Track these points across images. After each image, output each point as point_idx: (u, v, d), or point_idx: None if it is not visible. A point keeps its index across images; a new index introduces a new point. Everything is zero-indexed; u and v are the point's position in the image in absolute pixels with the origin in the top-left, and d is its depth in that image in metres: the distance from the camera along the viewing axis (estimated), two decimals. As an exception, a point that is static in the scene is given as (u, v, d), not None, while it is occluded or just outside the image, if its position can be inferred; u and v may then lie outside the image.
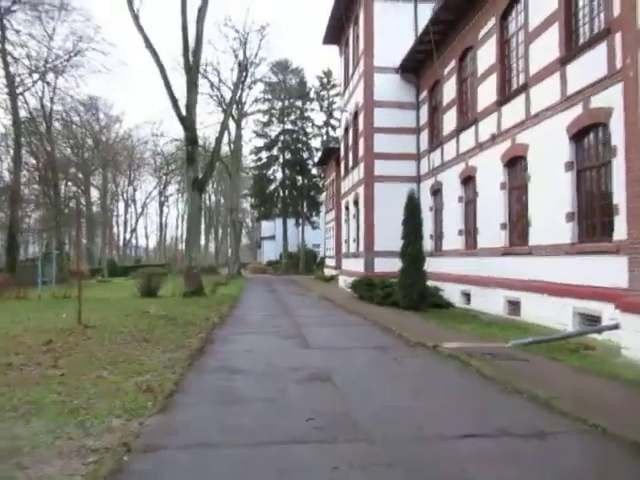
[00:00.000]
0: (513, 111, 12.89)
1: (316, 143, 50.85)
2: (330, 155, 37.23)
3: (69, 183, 53.56)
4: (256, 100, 46.74)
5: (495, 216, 14.04)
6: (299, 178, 50.38)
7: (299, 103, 50.09)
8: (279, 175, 51.21)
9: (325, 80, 50.24)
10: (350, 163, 24.64)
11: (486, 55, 14.49)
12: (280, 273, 47.33)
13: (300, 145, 50.11)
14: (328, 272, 38.01)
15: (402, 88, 20.90)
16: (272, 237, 63.12)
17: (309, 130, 50.75)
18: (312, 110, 50.73)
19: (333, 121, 50.57)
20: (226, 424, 4.58)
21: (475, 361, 7.05)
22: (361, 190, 21.75)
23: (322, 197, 48.94)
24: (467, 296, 15.85)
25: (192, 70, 17.63)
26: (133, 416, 4.63)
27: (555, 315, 10.71)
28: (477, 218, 15.40)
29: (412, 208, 14.67)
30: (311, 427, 4.39)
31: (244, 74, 30.89)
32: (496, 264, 13.89)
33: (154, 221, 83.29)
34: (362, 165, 21.44)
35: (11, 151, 36.42)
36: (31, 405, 4.95)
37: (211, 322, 11.19)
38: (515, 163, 13.26)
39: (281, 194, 50.93)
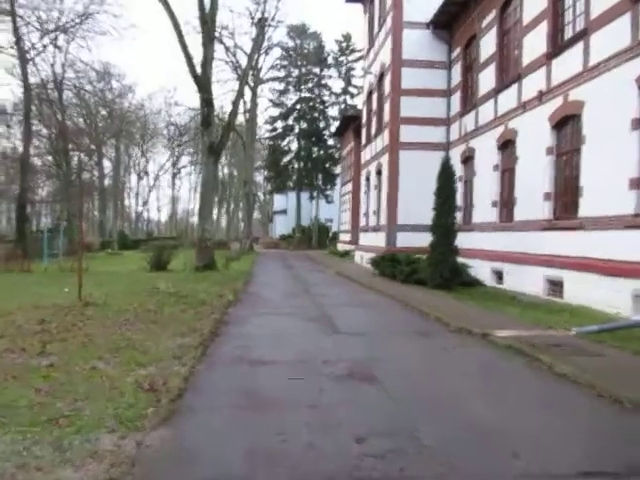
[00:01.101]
0: (567, 63, 11.34)
1: (333, 112, 49.09)
2: (348, 124, 35.66)
3: (82, 155, 52.72)
4: (272, 67, 44.97)
5: (537, 185, 12.64)
6: (315, 149, 48.74)
7: (316, 70, 48.12)
8: (294, 146, 49.63)
9: (344, 45, 48.11)
10: (373, 130, 23.15)
11: (534, 0, 12.86)
12: (292, 248, 46.25)
13: (316, 114, 48.35)
14: (342, 247, 36.96)
15: (433, 46, 19.26)
16: (284, 211, 61.94)
17: (326, 98, 48.89)
18: (330, 77, 48.81)
19: (352, 89, 48.67)
20: (254, 444, 3.40)
21: (544, 356, 5.82)
22: (385, 158, 20.35)
23: (338, 169, 47.45)
24: (499, 274, 14.58)
25: (208, 23, 16.12)
26: (129, 430, 3.51)
27: (607, 297, 9.44)
28: (515, 188, 14.02)
29: (446, 176, 13.31)
30: (366, 453, 3.22)
31: (261, 37, 28.91)
32: (536, 239, 12.60)
33: (166, 194, 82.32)
34: (387, 131, 19.98)
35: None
36: (1, 409, 3.87)
37: (225, 300, 10.06)
38: (566, 124, 11.79)
39: (296, 166, 49.43)
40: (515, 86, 14.10)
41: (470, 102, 17.64)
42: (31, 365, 5.09)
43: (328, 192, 50.04)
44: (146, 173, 72.91)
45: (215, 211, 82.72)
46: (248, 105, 41.49)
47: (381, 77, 21.44)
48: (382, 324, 8.38)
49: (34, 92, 31.99)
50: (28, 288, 11.74)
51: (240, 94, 18.72)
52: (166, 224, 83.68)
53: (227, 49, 37.11)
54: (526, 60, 13.52)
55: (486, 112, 15.99)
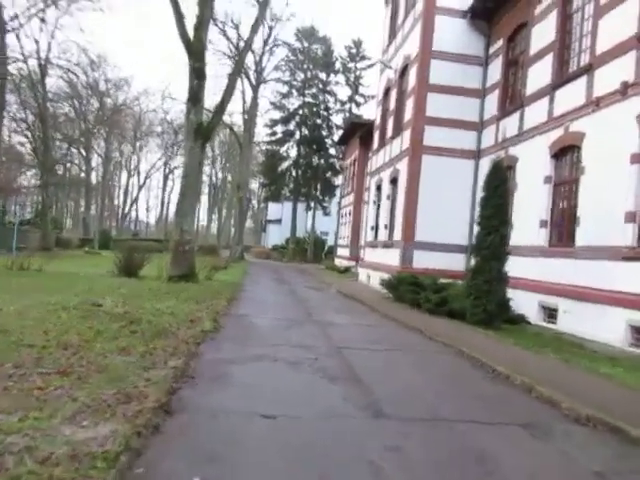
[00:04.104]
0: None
1: (337, 120, 46.18)
2: (354, 131, 32.92)
3: (72, 148, 49.57)
4: (277, 67, 42.08)
5: (616, 202, 9.79)
6: (315, 157, 45.77)
7: (323, 75, 45.26)
8: (293, 153, 46.63)
9: (354, 51, 45.34)
10: (389, 132, 20.22)
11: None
12: (286, 260, 43.18)
13: (319, 121, 45.41)
14: (339, 262, 34.08)
15: (468, 37, 16.49)
16: (278, 221, 59.08)
17: (331, 105, 45.94)
18: (337, 83, 45.89)
19: (358, 98, 45.86)
20: None
21: None
22: (403, 164, 17.42)
23: (338, 180, 44.59)
24: (550, 311, 11.63)
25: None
26: None
27: None
28: (579, 205, 11.10)
29: (498, 182, 10.36)
30: None
31: (262, 16, 25.10)
32: (612, 271, 9.67)
33: (158, 195, 78.87)
34: (408, 132, 17.06)
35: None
36: None
37: (198, 330, 6.86)
38: (666, 124, 8.97)
39: (293, 174, 46.40)
40: (583, 79, 11.29)
41: (513, 102, 14.86)
42: None
43: (326, 204, 47.08)
44: (137, 172, 69.78)
45: (205, 216, 79.67)
46: (247, 105, 38.60)
47: (404, 71, 18.61)
48: (445, 394, 5.15)
49: (13, 64, 28.86)
50: None
51: (238, 69, 15.51)
52: (156, 226, 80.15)
53: (228, 38, 34.14)
54: (602, 47, 10.75)
55: (536, 113, 13.18)
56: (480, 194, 12.20)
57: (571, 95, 11.63)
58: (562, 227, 11.91)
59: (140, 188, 69.74)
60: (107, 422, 3.37)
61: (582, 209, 10.92)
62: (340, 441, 3.62)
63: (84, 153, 50.86)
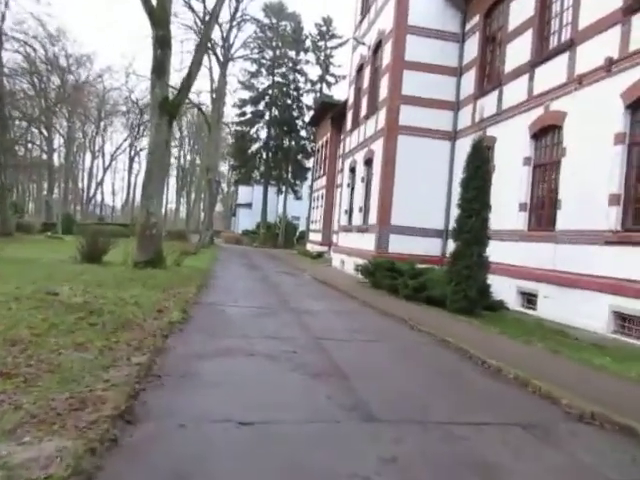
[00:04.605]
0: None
1: (308, 100, 45.37)
2: (326, 112, 32.22)
3: (31, 127, 47.39)
4: (245, 45, 40.81)
5: (599, 185, 9.60)
6: (286, 139, 44.92)
7: (292, 53, 44.29)
8: (263, 134, 45.64)
9: (324, 29, 44.43)
10: (363, 111, 19.71)
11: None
12: (257, 245, 42.50)
13: (290, 101, 44.51)
14: (311, 248, 33.58)
15: (444, 13, 16.06)
16: (249, 205, 58.09)
17: (301, 85, 45.06)
18: (307, 62, 44.97)
19: (329, 78, 45.12)
20: None
21: None
22: (378, 145, 16.97)
23: (309, 163, 43.94)
24: (529, 297, 11.47)
25: None
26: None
27: None
28: (560, 187, 10.87)
29: (479, 163, 9.96)
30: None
31: None
32: (594, 256, 9.51)
33: (124, 178, 76.69)
34: (383, 111, 16.59)
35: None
36: None
37: (165, 321, 6.30)
38: (650, 102, 8.74)
39: (264, 156, 45.48)
40: (564, 56, 11.00)
41: (491, 81, 14.53)
42: None
43: (297, 187, 46.41)
44: (102, 153, 67.50)
45: (174, 199, 77.95)
46: (216, 83, 37.34)
47: (377, 47, 18.07)
48: (436, 390, 4.65)
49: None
50: None
51: (205, 41, 14.45)
52: (122, 210, 77.92)
53: (192, 9, 32.51)
54: (585, 21, 10.45)
55: (515, 92, 12.89)
56: (457, 176, 11.89)
57: (552, 73, 11.34)
58: (542, 210, 11.70)
59: (105, 170, 67.56)
60: (54, 436, 2.84)
61: (563, 192, 10.69)
62: (328, 452, 3.17)
63: (45, 133, 48.80)
